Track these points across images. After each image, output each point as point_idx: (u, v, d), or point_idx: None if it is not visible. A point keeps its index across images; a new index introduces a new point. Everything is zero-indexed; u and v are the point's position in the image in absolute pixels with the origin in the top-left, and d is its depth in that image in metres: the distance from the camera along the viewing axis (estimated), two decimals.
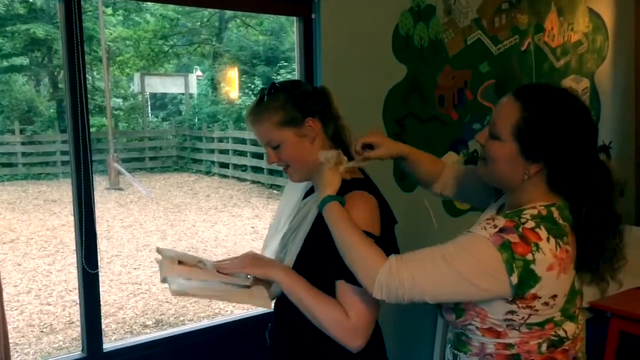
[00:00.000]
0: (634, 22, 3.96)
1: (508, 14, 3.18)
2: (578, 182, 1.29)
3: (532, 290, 1.23)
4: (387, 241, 1.43)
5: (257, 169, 12.41)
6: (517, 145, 1.29)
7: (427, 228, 2.90)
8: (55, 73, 15.56)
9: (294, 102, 1.45)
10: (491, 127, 1.34)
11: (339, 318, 1.36)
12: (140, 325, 4.97)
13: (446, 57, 2.93)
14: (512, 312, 1.27)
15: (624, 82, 3.94)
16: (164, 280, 1.40)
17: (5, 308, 1.94)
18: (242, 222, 8.90)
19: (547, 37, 3.41)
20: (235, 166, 13.21)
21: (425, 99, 2.88)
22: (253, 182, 12.41)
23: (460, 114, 3.02)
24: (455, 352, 1.41)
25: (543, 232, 1.24)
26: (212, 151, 14.19)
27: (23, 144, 13.49)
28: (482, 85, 3.09)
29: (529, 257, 1.21)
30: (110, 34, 15.63)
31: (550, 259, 1.23)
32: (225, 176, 13.33)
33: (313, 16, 2.51)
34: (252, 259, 1.47)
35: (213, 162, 14.05)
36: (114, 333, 4.77)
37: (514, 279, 1.21)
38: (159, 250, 1.49)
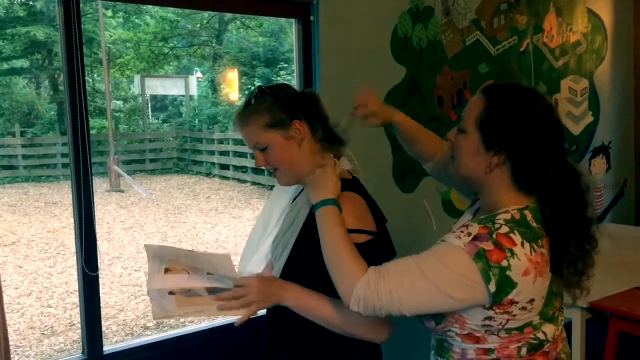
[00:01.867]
0: (632, 22, 3.96)
1: (507, 15, 3.19)
2: (543, 182, 1.29)
3: (510, 296, 1.22)
4: (383, 237, 1.45)
5: (257, 171, 12.39)
6: (479, 135, 1.30)
7: (426, 228, 2.90)
8: (56, 75, 15.55)
9: (280, 105, 1.45)
10: (460, 123, 1.37)
11: (363, 321, 1.35)
12: (141, 327, 4.97)
13: (445, 58, 2.94)
14: (489, 318, 1.26)
15: (623, 82, 3.94)
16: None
17: (6, 310, 1.94)
18: (243, 224, 8.90)
19: (546, 37, 3.42)
20: (236, 167, 13.21)
21: (424, 100, 2.88)
22: (253, 183, 12.42)
23: (459, 115, 3.01)
24: (438, 358, 1.40)
25: (517, 237, 1.23)
26: (212, 153, 14.19)
27: (23, 146, 13.51)
28: (481, 86, 3.09)
29: (504, 263, 1.21)
30: (110, 36, 15.65)
31: (525, 263, 1.22)
32: (225, 178, 13.33)
33: (312, 18, 2.52)
34: (259, 293, 1.40)
35: (213, 164, 14.05)
36: (115, 335, 4.77)
37: (492, 286, 1.21)
38: (146, 248, 1.49)
